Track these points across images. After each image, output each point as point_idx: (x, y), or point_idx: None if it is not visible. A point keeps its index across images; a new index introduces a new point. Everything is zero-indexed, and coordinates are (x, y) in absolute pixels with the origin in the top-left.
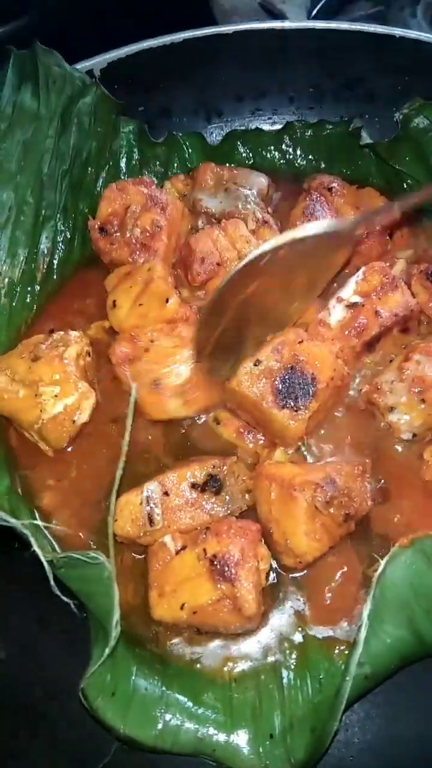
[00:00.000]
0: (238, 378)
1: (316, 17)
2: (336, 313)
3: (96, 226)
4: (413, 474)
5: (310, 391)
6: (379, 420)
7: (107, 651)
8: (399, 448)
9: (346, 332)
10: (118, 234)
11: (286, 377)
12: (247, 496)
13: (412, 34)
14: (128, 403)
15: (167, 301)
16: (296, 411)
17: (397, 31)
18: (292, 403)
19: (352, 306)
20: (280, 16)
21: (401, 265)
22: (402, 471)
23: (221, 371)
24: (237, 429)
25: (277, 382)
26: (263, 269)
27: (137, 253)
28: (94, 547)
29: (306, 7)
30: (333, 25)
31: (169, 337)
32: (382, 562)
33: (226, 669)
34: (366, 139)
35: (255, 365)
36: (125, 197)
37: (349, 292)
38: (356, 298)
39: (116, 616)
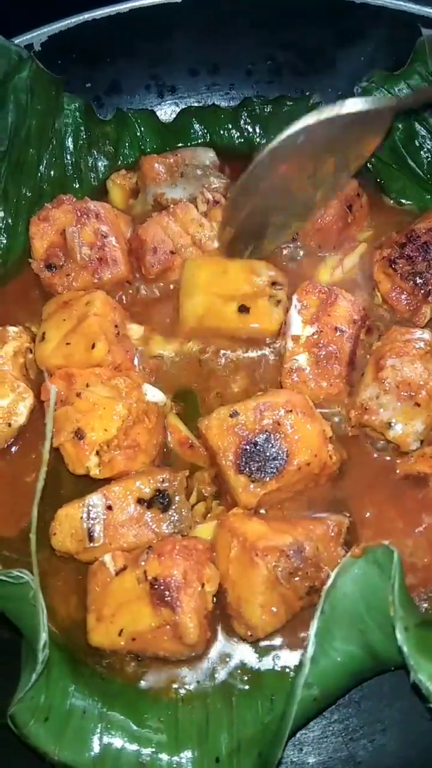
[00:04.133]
0: (209, 421)
1: None
2: (301, 356)
3: (41, 266)
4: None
5: (276, 468)
6: (373, 443)
7: (34, 677)
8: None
9: (324, 365)
10: (69, 263)
11: (257, 443)
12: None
13: None
14: None
15: (93, 346)
16: (252, 482)
17: None
18: (250, 472)
19: (311, 339)
20: None
21: (362, 248)
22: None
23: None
24: None
25: (244, 444)
26: (293, 151)
27: (99, 270)
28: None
29: None
30: None
31: (105, 386)
32: (332, 574)
33: (172, 688)
34: None
35: (231, 416)
36: (54, 223)
37: (298, 326)
38: (309, 329)
39: (44, 638)
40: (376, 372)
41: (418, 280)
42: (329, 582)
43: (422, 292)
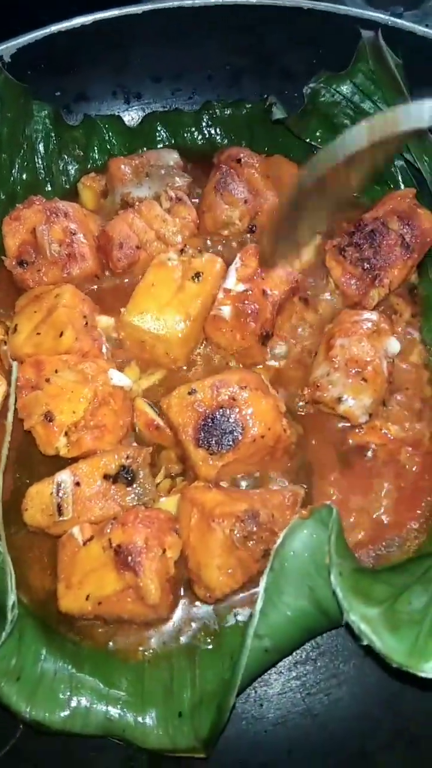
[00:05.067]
0: (170, 399)
1: None
2: (226, 308)
3: (14, 263)
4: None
5: (232, 441)
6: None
7: (3, 636)
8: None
9: (242, 320)
10: (39, 259)
11: (214, 417)
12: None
13: (321, 5)
14: None
15: (61, 334)
16: (210, 455)
17: (305, 3)
18: (209, 445)
19: (240, 294)
20: None
21: (317, 240)
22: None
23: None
24: None
25: (202, 419)
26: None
27: (68, 265)
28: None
29: None
30: (241, 0)
31: (73, 371)
32: (281, 534)
33: (139, 650)
34: (277, 115)
35: (189, 393)
36: (25, 223)
37: (232, 281)
38: (241, 286)
39: (12, 598)
40: (326, 351)
41: (366, 266)
42: (278, 541)
43: (369, 276)
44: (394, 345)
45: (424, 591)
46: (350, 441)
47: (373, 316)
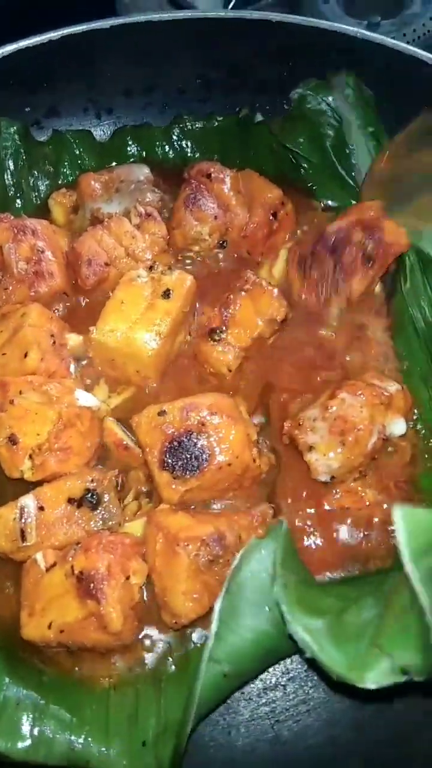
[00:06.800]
0: (139, 418)
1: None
2: None
3: None
4: None
5: (197, 467)
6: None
7: None
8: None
9: None
10: (6, 277)
11: (181, 441)
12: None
13: (290, 18)
14: None
15: (26, 355)
16: (174, 478)
17: (273, 16)
18: (173, 469)
19: None
20: (186, 7)
21: (285, 254)
22: None
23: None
24: None
25: (168, 441)
26: None
27: (35, 284)
28: None
29: None
30: (210, 14)
31: (37, 392)
32: (237, 555)
33: (105, 677)
34: (259, 117)
35: (159, 414)
36: None
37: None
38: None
39: None
40: (328, 398)
41: (325, 278)
42: (234, 563)
43: (328, 288)
44: (398, 426)
45: (375, 603)
46: (326, 506)
47: (393, 387)
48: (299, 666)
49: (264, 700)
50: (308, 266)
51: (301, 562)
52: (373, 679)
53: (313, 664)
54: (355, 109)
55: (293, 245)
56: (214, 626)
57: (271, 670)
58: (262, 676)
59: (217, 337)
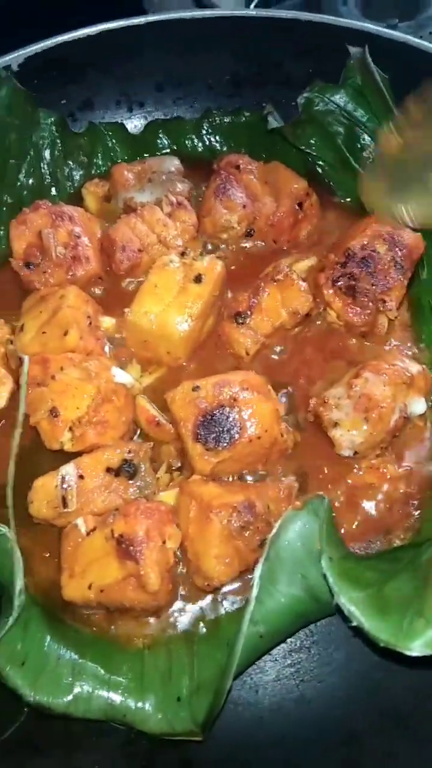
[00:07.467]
0: (174, 393)
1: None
2: None
3: (21, 264)
4: None
5: (229, 439)
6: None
7: (11, 621)
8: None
9: None
10: (45, 261)
11: (213, 414)
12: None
13: (318, 17)
14: None
15: (66, 333)
16: (207, 450)
17: (303, 15)
18: (206, 441)
19: None
20: (210, 7)
21: (312, 261)
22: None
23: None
24: None
25: (202, 415)
26: None
27: (72, 267)
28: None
29: None
30: (239, 12)
31: (77, 368)
32: (276, 525)
33: (139, 637)
34: (273, 123)
35: (193, 390)
36: (31, 226)
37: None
38: None
39: (19, 584)
40: (353, 377)
41: (367, 294)
42: (273, 531)
43: (372, 304)
44: (418, 405)
45: (412, 577)
46: (349, 481)
47: (414, 368)
48: (323, 629)
49: (289, 661)
50: (346, 287)
51: (340, 537)
52: (419, 648)
53: (359, 634)
54: (368, 103)
55: (319, 268)
56: (255, 590)
57: (296, 633)
58: (288, 639)
59: (241, 320)
